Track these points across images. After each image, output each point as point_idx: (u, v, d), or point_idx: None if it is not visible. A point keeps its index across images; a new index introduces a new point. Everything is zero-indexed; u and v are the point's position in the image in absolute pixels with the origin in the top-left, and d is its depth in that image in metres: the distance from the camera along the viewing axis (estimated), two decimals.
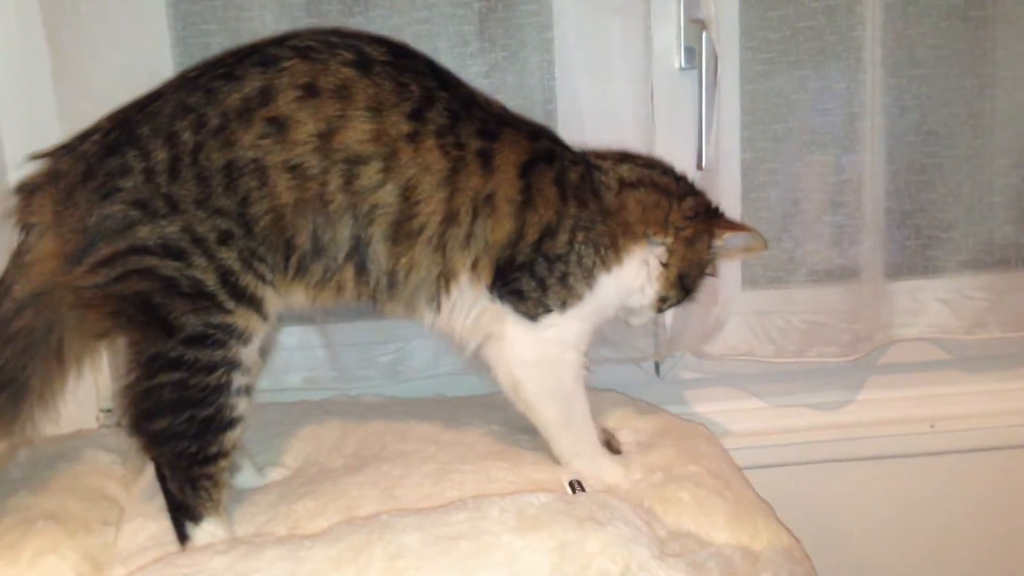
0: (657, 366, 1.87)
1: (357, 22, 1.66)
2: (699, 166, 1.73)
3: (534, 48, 1.71)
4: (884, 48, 1.70)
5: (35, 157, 1.23)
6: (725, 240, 1.41)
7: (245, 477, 1.41)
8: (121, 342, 1.25)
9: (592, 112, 1.70)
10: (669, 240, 1.38)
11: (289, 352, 1.76)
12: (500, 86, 1.71)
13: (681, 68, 1.74)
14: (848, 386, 1.93)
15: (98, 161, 1.19)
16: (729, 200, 1.74)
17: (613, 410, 1.60)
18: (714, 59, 1.67)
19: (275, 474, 1.44)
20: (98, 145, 1.21)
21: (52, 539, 1.23)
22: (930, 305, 1.85)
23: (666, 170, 1.44)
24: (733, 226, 1.43)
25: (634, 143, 1.68)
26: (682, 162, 1.73)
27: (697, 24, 1.69)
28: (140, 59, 1.58)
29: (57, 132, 1.53)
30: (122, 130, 1.21)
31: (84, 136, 1.23)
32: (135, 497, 1.39)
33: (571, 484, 1.30)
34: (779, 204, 1.79)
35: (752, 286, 1.83)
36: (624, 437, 1.53)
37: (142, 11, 1.60)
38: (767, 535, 1.30)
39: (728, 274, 1.80)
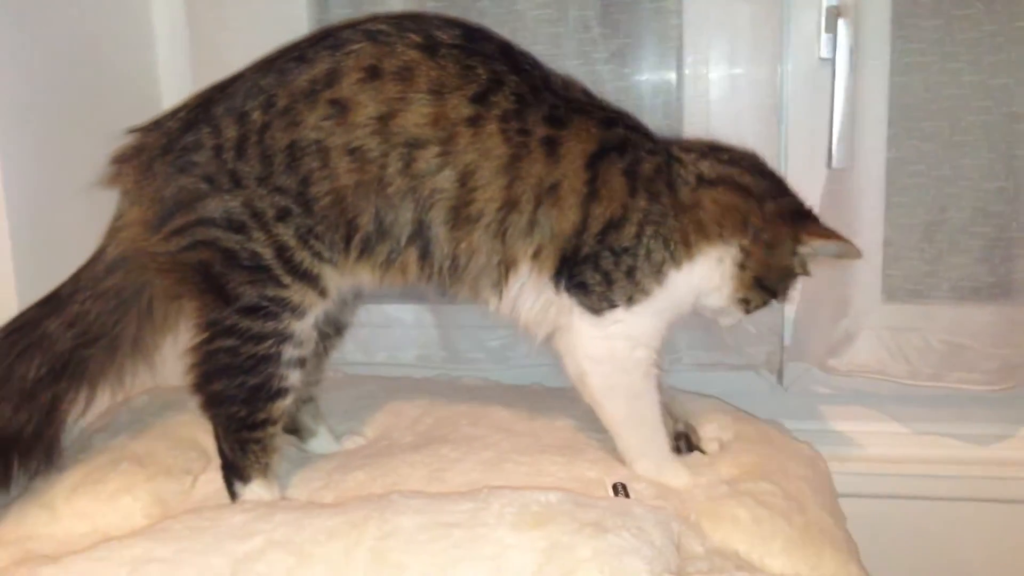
0: (780, 375, 1.75)
1: (483, 6, 1.68)
2: (829, 164, 1.60)
3: (659, 35, 1.65)
4: None
5: (131, 131, 1.32)
6: (814, 247, 1.29)
7: (319, 442, 1.47)
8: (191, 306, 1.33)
9: (719, 101, 1.63)
10: (746, 242, 1.29)
11: (405, 329, 1.81)
12: (621, 74, 1.66)
13: (821, 58, 1.61)
14: (1006, 419, 1.73)
15: (177, 137, 1.26)
16: (869, 202, 1.61)
17: (705, 414, 1.52)
18: (854, 48, 1.53)
19: (350, 443, 1.49)
20: (180, 122, 1.28)
21: (131, 480, 1.33)
22: None
23: (754, 168, 1.33)
24: (821, 233, 1.29)
25: (761, 135, 1.58)
26: (814, 158, 1.63)
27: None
28: (276, 41, 1.66)
29: None
30: (202, 108, 1.27)
31: (172, 114, 1.31)
32: None
33: (615, 486, 1.25)
34: (924, 210, 1.62)
35: (890, 298, 1.67)
36: (707, 433, 1.47)
37: None
38: (831, 570, 1.19)
39: (867, 283, 1.66)
